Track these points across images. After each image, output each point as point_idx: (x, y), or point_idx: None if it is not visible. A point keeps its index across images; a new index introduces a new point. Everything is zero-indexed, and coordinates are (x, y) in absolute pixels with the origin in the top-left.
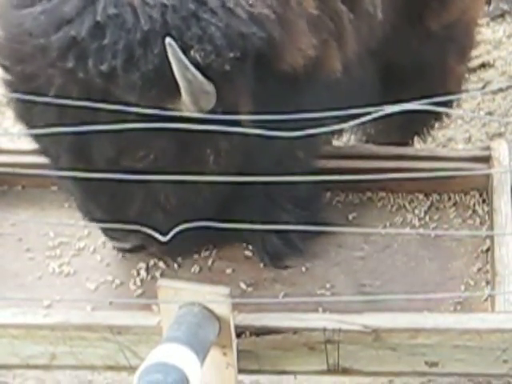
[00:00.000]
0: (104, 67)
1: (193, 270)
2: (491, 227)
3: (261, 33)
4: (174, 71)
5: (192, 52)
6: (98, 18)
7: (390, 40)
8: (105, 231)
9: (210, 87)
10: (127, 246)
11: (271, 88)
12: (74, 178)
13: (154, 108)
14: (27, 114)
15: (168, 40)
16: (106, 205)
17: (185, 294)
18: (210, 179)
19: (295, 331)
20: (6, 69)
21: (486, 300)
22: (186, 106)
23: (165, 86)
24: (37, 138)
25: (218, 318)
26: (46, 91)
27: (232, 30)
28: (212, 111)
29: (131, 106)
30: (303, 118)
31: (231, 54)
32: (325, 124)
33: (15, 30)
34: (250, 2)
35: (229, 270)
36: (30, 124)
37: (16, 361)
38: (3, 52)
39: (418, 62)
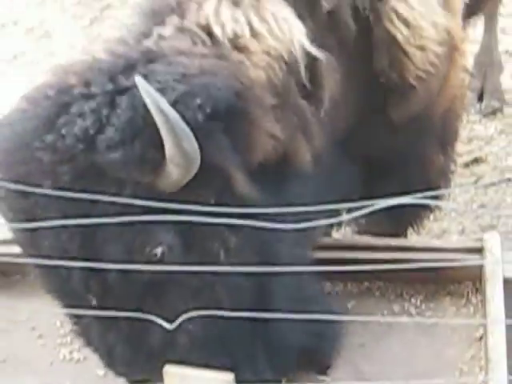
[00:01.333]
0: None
1: None
2: (484, 316)
3: (232, 90)
4: (147, 105)
5: (176, 107)
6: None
7: (357, 131)
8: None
9: (193, 139)
10: None
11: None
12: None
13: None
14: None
15: (137, 77)
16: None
17: (190, 380)
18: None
19: None
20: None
21: None
22: (173, 160)
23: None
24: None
25: None
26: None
27: (208, 88)
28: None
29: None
30: (304, 210)
31: (208, 110)
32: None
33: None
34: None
35: None
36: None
37: None
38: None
39: (393, 153)
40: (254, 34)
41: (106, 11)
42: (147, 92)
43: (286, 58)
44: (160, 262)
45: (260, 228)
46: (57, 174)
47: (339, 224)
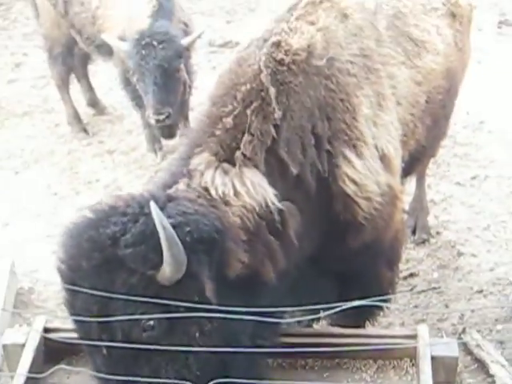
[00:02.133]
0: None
1: None
2: (418, 382)
3: (214, 227)
4: (155, 222)
5: (174, 229)
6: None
7: (322, 253)
8: None
9: (182, 249)
10: None
11: (227, 285)
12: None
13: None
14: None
15: (151, 203)
16: None
17: None
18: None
19: None
20: None
21: None
22: (166, 260)
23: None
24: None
25: None
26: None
27: (197, 223)
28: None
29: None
30: (280, 310)
31: (195, 236)
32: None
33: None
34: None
35: None
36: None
37: None
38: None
39: (354, 270)
40: (236, 193)
41: (158, 172)
42: (156, 213)
43: (257, 210)
44: (151, 329)
45: (261, 321)
46: (91, 258)
47: (318, 319)
